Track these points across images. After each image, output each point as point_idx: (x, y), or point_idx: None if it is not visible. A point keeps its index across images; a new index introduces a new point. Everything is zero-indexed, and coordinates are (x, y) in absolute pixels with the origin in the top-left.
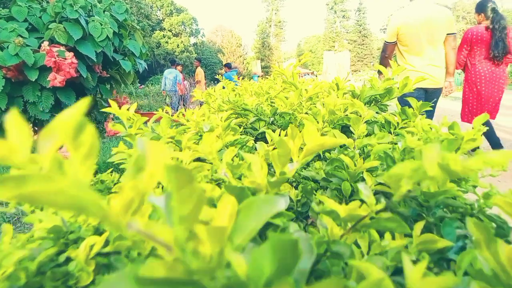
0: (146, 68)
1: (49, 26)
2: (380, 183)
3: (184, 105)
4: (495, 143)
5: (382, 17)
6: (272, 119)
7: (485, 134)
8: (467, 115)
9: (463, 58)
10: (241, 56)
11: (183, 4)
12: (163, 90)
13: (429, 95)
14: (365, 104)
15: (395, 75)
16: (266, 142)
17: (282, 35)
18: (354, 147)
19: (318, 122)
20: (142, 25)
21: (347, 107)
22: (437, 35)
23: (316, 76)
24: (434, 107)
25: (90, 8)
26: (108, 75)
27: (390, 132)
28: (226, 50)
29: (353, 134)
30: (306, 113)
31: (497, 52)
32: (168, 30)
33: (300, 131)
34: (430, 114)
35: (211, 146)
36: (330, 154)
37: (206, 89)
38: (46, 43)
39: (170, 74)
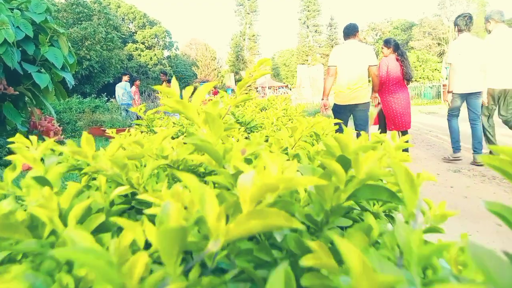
0: (72, 83)
1: None
2: None
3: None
4: None
5: None
6: None
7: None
8: (392, 125)
9: (381, 79)
10: (215, 69)
11: (156, 17)
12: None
13: (356, 109)
14: None
15: None
16: None
17: (256, 48)
18: None
19: None
20: (111, 37)
21: None
22: (362, 65)
23: (290, 89)
24: (366, 117)
25: None
26: (17, 92)
27: None
28: (201, 63)
29: None
30: None
31: (409, 76)
32: (141, 43)
33: None
34: (364, 126)
35: None
36: None
37: None
38: None
39: (119, 88)
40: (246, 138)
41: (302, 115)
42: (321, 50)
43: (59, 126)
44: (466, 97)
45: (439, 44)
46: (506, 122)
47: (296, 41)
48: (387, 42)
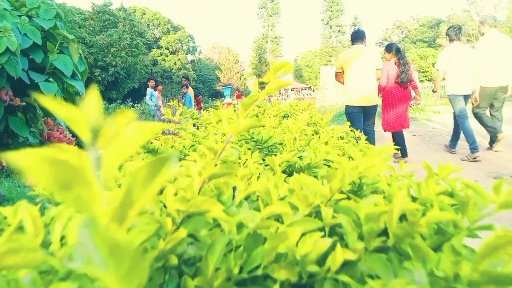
0: (83, 92)
1: None
2: None
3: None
4: (403, 151)
5: (377, 32)
6: None
7: (398, 141)
8: (387, 126)
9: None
10: (238, 72)
11: (179, 22)
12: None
13: (367, 111)
14: None
15: None
16: None
17: (278, 50)
18: None
19: None
20: (136, 43)
21: None
22: (369, 68)
23: (313, 90)
24: (372, 119)
25: None
26: (24, 103)
27: None
28: (224, 67)
29: None
30: None
31: (401, 79)
32: (165, 48)
33: None
34: (372, 127)
35: None
36: None
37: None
38: None
39: (147, 93)
40: (262, 162)
41: (328, 124)
42: (345, 50)
43: (72, 136)
44: (463, 97)
45: (468, 40)
46: (477, 115)
47: (319, 42)
48: (388, 48)
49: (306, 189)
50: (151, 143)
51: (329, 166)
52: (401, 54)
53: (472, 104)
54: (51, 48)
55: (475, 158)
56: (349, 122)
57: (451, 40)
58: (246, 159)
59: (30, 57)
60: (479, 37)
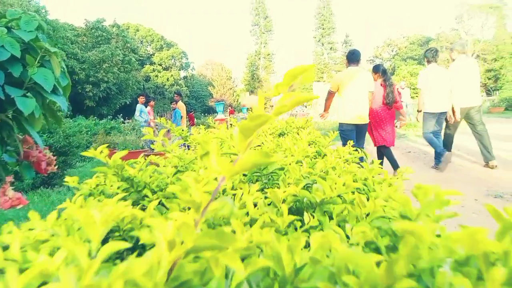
0: (65, 108)
1: None
2: None
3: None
4: (395, 165)
5: (368, 49)
6: None
7: (388, 157)
8: (383, 140)
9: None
10: (231, 88)
11: (173, 39)
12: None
13: (359, 129)
14: None
15: None
16: None
17: (271, 67)
18: None
19: None
20: (128, 59)
21: None
22: (362, 89)
23: (306, 106)
24: (363, 136)
25: None
26: None
27: None
28: (216, 83)
29: None
30: None
31: (388, 100)
32: (158, 64)
33: None
34: (362, 144)
35: None
36: None
37: (186, 126)
38: None
39: (137, 109)
40: (262, 196)
41: (330, 144)
42: (337, 67)
43: (52, 155)
44: (438, 115)
45: None
46: (450, 136)
47: (311, 59)
48: (375, 69)
49: (334, 255)
50: (126, 170)
51: (341, 197)
52: (387, 75)
53: (447, 121)
54: (30, 61)
55: (447, 158)
56: (352, 141)
57: (428, 61)
58: (242, 194)
59: (8, 71)
60: (468, 55)
